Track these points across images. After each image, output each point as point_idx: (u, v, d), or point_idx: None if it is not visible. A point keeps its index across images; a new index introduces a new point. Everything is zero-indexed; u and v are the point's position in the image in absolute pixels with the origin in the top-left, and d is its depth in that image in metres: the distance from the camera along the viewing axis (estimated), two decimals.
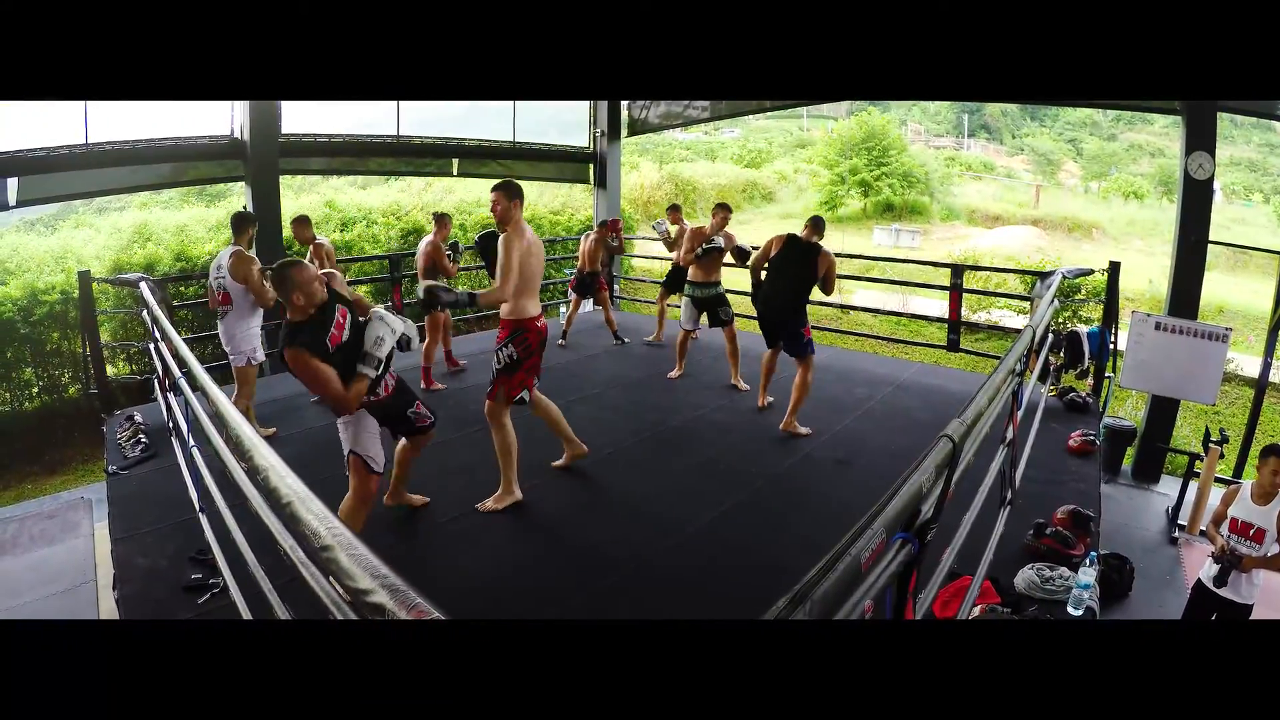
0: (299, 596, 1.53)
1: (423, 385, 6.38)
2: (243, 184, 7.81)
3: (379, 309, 3.37)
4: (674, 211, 7.55)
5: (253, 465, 1.70)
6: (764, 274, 5.48)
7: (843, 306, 12.84)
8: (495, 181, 4.02)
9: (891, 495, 1.55)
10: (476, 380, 6.69)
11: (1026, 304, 8.03)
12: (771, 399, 6.03)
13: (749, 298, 5.62)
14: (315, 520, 1.33)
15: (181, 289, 8.97)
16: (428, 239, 6.51)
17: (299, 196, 18.28)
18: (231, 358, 5.12)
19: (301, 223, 6.35)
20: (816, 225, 5.48)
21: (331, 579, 1.27)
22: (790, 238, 5.44)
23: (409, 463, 4.06)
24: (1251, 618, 3.93)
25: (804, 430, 5.45)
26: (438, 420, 3.91)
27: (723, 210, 6.50)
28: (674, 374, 6.95)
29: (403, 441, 3.96)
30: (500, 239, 3.98)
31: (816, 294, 5.41)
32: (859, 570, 1.34)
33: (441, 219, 6.59)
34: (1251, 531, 3.85)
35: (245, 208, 7.06)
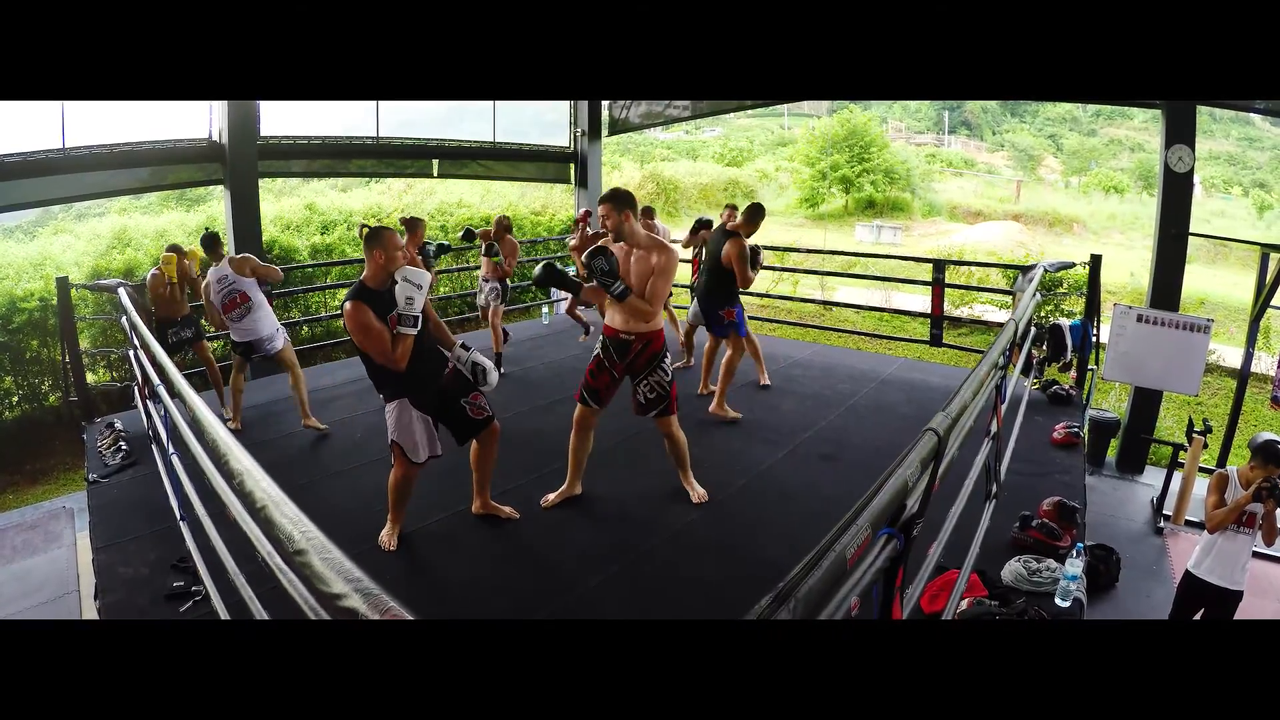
0: (280, 603, 1.51)
1: None
2: (222, 187, 7.74)
3: (400, 271, 3.37)
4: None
5: (228, 469, 1.68)
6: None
7: (825, 303, 12.84)
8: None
9: (876, 490, 1.54)
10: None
11: (1009, 298, 8.07)
12: (714, 386, 6.04)
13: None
14: (289, 524, 1.30)
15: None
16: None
17: (279, 199, 18.08)
18: (269, 346, 5.40)
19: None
20: (750, 212, 5.55)
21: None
22: (720, 226, 5.62)
23: (484, 468, 3.97)
24: (1242, 604, 4.01)
25: (733, 414, 5.53)
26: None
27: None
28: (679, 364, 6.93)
29: (473, 446, 3.90)
30: (659, 260, 3.81)
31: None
32: (844, 567, 1.33)
33: (413, 224, 5.99)
34: (1243, 518, 3.91)
35: (224, 212, 6.97)
